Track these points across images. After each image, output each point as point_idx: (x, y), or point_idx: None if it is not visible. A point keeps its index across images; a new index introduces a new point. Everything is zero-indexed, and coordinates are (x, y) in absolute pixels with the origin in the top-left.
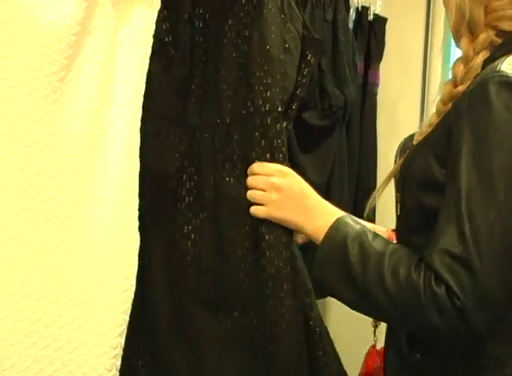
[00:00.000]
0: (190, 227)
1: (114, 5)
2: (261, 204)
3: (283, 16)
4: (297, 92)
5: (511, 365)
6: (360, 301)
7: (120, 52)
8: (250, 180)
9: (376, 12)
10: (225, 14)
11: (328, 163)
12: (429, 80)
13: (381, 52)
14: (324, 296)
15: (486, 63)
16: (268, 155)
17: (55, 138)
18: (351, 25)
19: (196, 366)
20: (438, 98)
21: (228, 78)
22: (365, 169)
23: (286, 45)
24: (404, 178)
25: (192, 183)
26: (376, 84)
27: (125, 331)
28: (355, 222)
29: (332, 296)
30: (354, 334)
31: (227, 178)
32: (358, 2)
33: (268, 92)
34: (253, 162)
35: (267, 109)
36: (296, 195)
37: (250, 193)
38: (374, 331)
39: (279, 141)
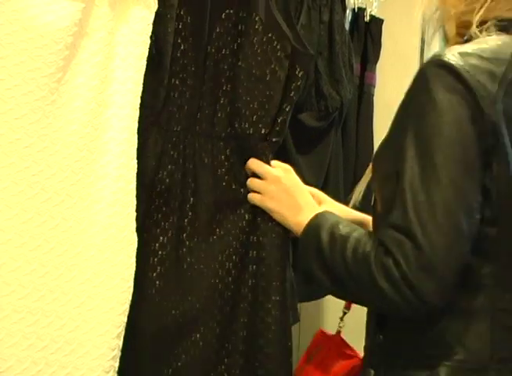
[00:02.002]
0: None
1: (111, 6)
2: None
3: (269, 34)
4: (284, 107)
5: (467, 347)
6: (333, 285)
7: (118, 53)
8: (254, 166)
9: (373, 13)
10: (205, 26)
11: (324, 164)
12: None
13: (378, 54)
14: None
15: None
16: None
17: (53, 139)
18: (347, 26)
19: None
20: None
21: (213, 94)
22: (362, 170)
23: (272, 66)
24: (375, 170)
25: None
26: (373, 86)
27: (123, 333)
28: (332, 216)
29: (318, 285)
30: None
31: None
32: (354, 3)
33: (254, 117)
34: (238, 180)
35: (251, 132)
36: (291, 190)
37: (250, 180)
38: (341, 317)
39: (264, 160)
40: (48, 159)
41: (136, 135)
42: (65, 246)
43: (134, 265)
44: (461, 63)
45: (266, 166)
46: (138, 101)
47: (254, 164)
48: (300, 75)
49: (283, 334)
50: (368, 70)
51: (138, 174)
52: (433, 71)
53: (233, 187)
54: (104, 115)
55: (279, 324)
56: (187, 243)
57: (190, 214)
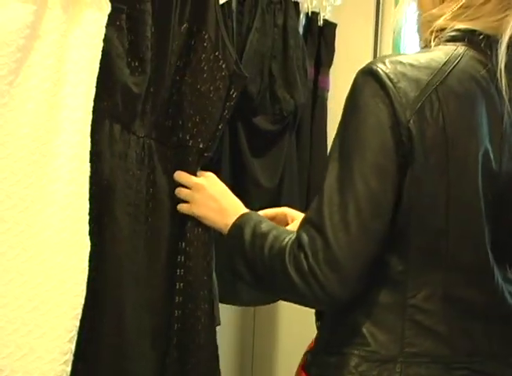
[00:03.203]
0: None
1: (64, 9)
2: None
3: (216, 53)
4: (220, 126)
5: (378, 339)
6: (255, 281)
7: (70, 55)
8: (180, 178)
9: (326, 17)
10: (169, 38)
11: (279, 167)
12: None
13: (331, 58)
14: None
15: None
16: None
17: (4, 142)
18: (301, 30)
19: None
20: None
21: (166, 103)
22: (316, 172)
23: (217, 84)
24: None
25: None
26: (327, 90)
27: (75, 337)
28: (256, 215)
29: (242, 281)
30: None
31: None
32: (308, 8)
33: (195, 129)
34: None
35: (189, 144)
36: (216, 196)
37: (177, 190)
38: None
39: (191, 171)
40: (0, 162)
41: (89, 138)
42: (16, 250)
43: (87, 269)
44: (387, 71)
45: (191, 176)
46: (91, 104)
47: (179, 175)
48: (234, 96)
49: (211, 340)
50: (321, 74)
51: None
52: (361, 78)
53: (170, 194)
54: (56, 118)
55: (208, 330)
56: (148, 245)
57: (150, 219)
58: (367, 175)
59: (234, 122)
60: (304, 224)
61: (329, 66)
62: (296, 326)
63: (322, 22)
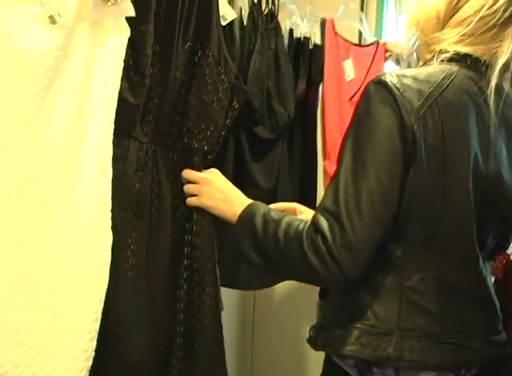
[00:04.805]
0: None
1: (90, 33)
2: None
3: (219, 68)
4: (222, 133)
5: (378, 315)
6: (266, 264)
7: (96, 73)
8: (187, 175)
9: (316, 42)
10: (172, 56)
11: (274, 169)
12: None
13: (320, 75)
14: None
15: None
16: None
17: (38, 149)
18: (293, 52)
19: None
20: None
21: (171, 113)
22: (307, 174)
23: (219, 95)
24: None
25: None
26: (316, 102)
27: (96, 337)
28: (263, 205)
29: (249, 264)
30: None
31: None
32: (300, 33)
33: (201, 135)
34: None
35: (196, 147)
36: (222, 188)
37: (186, 187)
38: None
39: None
40: (34, 166)
41: (111, 145)
42: (49, 242)
43: (109, 258)
44: (395, 82)
45: (198, 172)
46: (113, 115)
47: (186, 172)
48: (236, 106)
49: (216, 321)
50: (312, 89)
51: (114, 179)
52: (373, 87)
53: (173, 193)
54: (83, 128)
55: (214, 312)
56: (152, 238)
57: (155, 214)
58: (379, 171)
59: (238, 131)
60: (320, 211)
61: (319, 82)
62: (293, 308)
63: (312, 46)
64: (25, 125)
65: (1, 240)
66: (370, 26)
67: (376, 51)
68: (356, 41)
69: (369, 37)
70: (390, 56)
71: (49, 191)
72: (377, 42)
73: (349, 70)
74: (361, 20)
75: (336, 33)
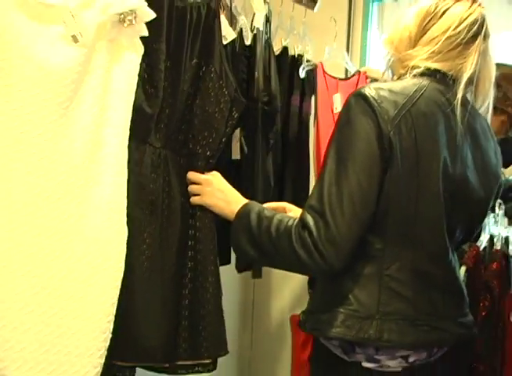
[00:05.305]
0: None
1: (108, 51)
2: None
3: (221, 82)
4: (223, 140)
5: (360, 301)
6: (260, 257)
7: (113, 87)
8: (192, 176)
9: (309, 58)
10: (181, 71)
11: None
12: None
13: (313, 88)
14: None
15: None
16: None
17: (61, 153)
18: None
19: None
20: None
21: (179, 121)
22: (300, 178)
23: (221, 106)
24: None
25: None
26: (309, 113)
27: (109, 337)
28: (258, 204)
29: (246, 258)
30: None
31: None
32: (295, 51)
33: (204, 141)
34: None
35: (199, 152)
36: (222, 188)
37: (190, 187)
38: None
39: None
40: (58, 168)
41: (127, 150)
42: (71, 235)
43: (124, 251)
44: (373, 94)
45: (201, 174)
46: (128, 123)
47: (191, 175)
48: (235, 116)
49: (218, 306)
50: (305, 101)
51: (133, 180)
52: (354, 99)
53: (182, 192)
54: (102, 134)
55: (215, 298)
56: (163, 233)
57: (166, 212)
58: (359, 174)
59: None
60: (307, 209)
61: (311, 95)
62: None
63: (305, 62)
64: (50, 132)
65: (28, 235)
66: (355, 55)
67: (359, 79)
68: (343, 73)
69: (351, 69)
70: (371, 80)
71: (71, 191)
72: (359, 72)
73: (337, 103)
74: (344, 57)
75: (325, 73)
